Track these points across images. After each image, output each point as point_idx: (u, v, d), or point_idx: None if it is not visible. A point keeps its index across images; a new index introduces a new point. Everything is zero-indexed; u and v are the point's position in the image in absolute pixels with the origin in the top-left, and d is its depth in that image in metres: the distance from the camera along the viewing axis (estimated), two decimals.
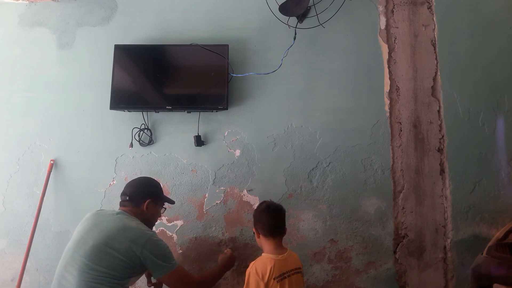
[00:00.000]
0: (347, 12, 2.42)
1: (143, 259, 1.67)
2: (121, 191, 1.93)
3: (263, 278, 1.68)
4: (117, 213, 1.81)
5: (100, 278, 1.60)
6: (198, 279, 1.91)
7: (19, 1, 2.62)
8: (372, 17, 2.54)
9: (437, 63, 2.49)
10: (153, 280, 2.03)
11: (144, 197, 1.89)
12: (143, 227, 1.77)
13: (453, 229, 2.33)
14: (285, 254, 1.80)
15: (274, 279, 1.69)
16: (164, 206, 2.04)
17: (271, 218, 1.83)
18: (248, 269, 1.75)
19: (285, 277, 1.73)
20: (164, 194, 2.10)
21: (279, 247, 1.81)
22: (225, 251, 2.18)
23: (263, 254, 1.80)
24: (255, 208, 1.95)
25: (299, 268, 1.83)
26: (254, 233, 1.89)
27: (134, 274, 1.71)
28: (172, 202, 2.08)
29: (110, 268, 1.62)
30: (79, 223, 1.84)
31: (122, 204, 1.89)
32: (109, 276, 1.61)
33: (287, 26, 2.40)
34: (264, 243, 1.82)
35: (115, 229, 1.70)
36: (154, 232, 1.82)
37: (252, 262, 1.77)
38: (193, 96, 2.38)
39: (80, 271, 1.61)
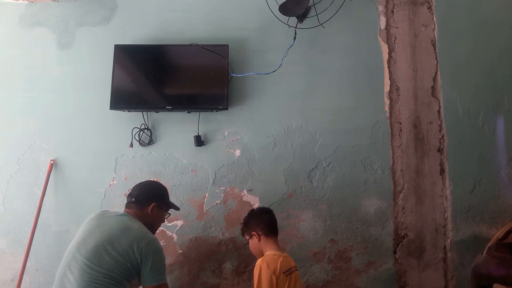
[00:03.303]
0: (347, 12, 2.42)
1: (140, 261, 1.66)
2: (129, 192, 1.95)
3: (275, 273, 1.71)
4: (120, 215, 1.82)
5: (99, 279, 1.60)
6: None
7: (19, 1, 2.62)
8: (372, 17, 2.54)
9: (437, 63, 2.49)
10: None
11: (150, 200, 1.89)
12: (144, 229, 1.78)
13: (453, 229, 2.33)
14: (286, 252, 1.86)
15: (283, 273, 1.73)
16: (168, 212, 2.03)
17: (271, 217, 1.94)
18: (258, 266, 1.76)
19: (291, 272, 1.78)
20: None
21: (279, 246, 1.87)
22: None
23: (268, 252, 1.82)
24: (248, 216, 1.97)
25: (296, 266, 1.88)
26: (249, 239, 1.90)
27: (130, 280, 1.69)
28: (177, 208, 2.07)
29: (109, 270, 1.62)
30: (82, 223, 1.84)
31: (127, 206, 1.91)
32: (107, 277, 1.61)
33: (287, 26, 2.40)
34: (266, 243, 1.85)
35: (117, 230, 1.71)
36: (155, 237, 1.82)
37: (260, 259, 1.78)
38: (193, 96, 2.38)
39: (81, 271, 1.61)
